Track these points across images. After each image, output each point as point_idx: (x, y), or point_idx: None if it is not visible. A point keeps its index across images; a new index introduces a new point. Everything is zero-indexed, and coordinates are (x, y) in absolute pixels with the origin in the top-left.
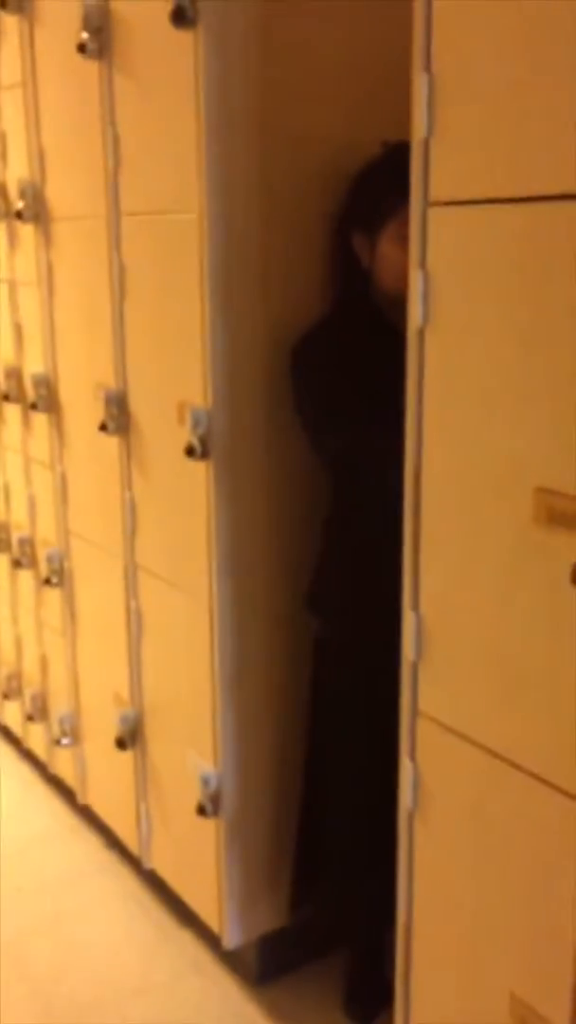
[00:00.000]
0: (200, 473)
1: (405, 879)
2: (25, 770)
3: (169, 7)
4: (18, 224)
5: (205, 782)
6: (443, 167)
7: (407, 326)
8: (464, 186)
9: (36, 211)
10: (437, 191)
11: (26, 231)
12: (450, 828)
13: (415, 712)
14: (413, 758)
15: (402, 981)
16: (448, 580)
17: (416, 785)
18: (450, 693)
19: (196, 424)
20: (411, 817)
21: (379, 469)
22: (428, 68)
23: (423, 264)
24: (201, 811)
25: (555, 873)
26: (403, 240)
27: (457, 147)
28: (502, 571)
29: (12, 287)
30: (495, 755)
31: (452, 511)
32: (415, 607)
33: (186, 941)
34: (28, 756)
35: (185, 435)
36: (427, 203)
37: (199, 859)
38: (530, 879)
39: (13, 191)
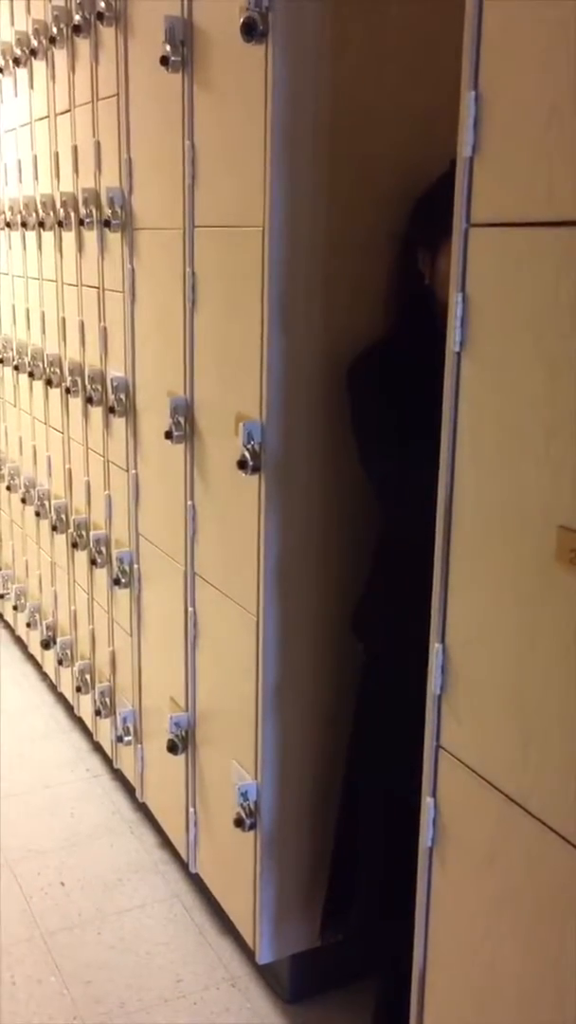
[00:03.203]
0: (252, 487)
1: (422, 918)
2: (95, 762)
3: (241, 20)
4: (107, 232)
5: (243, 794)
6: (486, 187)
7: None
8: (507, 208)
9: (123, 220)
10: (479, 212)
11: (114, 239)
12: (466, 870)
13: (437, 747)
14: (434, 794)
15: (416, 1019)
16: (474, 615)
17: (435, 823)
18: (471, 731)
19: (249, 437)
20: (430, 855)
21: (423, 498)
22: (475, 86)
23: (463, 286)
24: (238, 823)
25: (564, 928)
26: None
27: (502, 167)
28: (526, 611)
29: (100, 293)
30: (510, 800)
31: (481, 544)
32: (441, 639)
33: (225, 950)
34: (98, 749)
35: (239, 447)
36: (469, 223)
37: (238, 870)
38: (539, 931)
39: (104, 199)
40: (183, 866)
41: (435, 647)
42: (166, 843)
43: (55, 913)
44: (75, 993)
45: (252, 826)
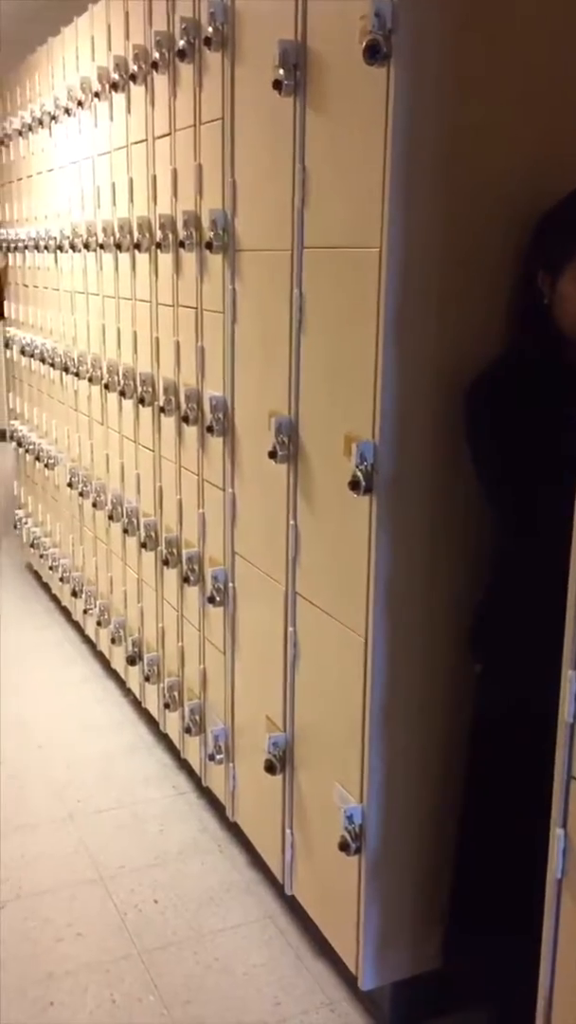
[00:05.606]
0: (363, 507)
1: (549, 950)
2: (181, 780)
3: (364, 43)
4: (208, 254)
5: (349, 817)
6: None
7: None
8: None
9: (225, 242)
10: None
11: (214, 260)
12: None
13: (569, 778)
14: (564, 826)
15: None
16: None
17: (566, 854)
18: None
19: (362, 458)
20: (559, 886)
21: (553, 523)
22: None
23: None
24: (343, 847)
25: None
26: None
27: None
28: None
29: (199, 314)
30: None
31: None
32: None
33: (322, 974)
34: (185, 766)
35: (351, 468)
36: None
37: (340, 894)
38: None
39: (205, 222)
40: (275, 887)
41: (568, 674)
42: (257, 863)
43: (150, 931)
44: (175, 1014)
45: (357, 850)
